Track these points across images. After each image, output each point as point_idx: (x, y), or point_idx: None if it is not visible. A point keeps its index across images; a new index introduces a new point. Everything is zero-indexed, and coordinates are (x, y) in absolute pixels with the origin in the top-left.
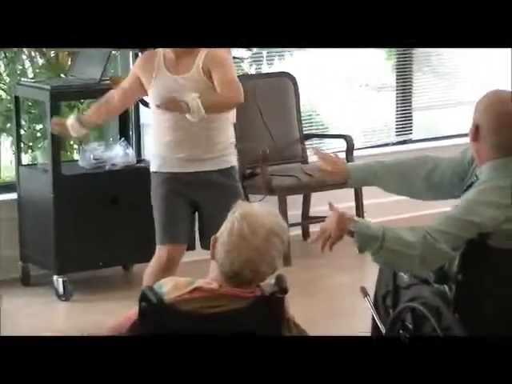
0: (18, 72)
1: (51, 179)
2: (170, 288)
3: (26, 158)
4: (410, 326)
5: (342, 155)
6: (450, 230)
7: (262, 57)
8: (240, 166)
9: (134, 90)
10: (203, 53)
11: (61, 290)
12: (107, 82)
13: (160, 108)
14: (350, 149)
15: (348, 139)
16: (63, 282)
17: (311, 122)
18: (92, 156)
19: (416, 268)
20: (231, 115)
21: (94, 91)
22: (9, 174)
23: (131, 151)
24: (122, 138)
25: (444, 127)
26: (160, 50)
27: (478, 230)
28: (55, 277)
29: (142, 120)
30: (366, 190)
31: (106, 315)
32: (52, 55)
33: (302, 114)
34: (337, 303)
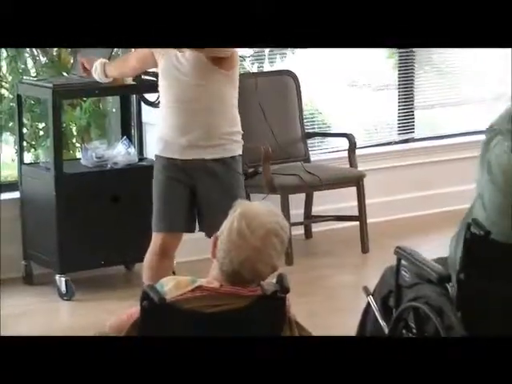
0: (21, 70)
1: (53, 178)
2: (171, 287)
3: (28, 157)
4: (413, 325)
5: (345, 154)
6: None
7: (264, 55)
8: (242, 165)
9: (149, 58)
10: None
11: (63, 289)
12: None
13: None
14: (352, 147)
15: (350, 138)
16: (66, 281)
17: (313, 121)
18: (94, 155)
19: None
20: (235, 100)
21: (96, 89)
22: (10, 172)
23: (133, 150)
24: (124, 137)
25: (446, 126)
26: None
27: None
28: (57, 276)
29: (144, 119)
30: (367, 188)
31: (108, 314)
32: (54, 54)
33: (305, 113)
34: (339, 303)
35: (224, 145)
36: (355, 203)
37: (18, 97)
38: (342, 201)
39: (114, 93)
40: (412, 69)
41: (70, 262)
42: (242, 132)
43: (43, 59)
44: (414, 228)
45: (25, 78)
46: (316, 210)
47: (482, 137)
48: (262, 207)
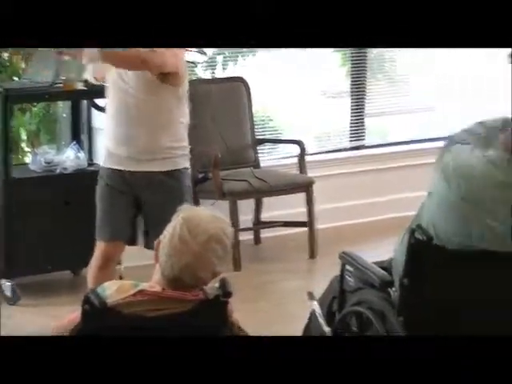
0: None
1: (1, 182)
2: (113, 291)
3: None
4: (356, 329)
5: (296, 160)
6: None
7: (216, 61)
8: (192, 170)
9: None
10: None
11: (9, 293)
12: (60, 85)
13: None
14: (302, 154)
15: (300, 144)
16: (11, 286)
17: (265, 127)
18: (43, 159)
19: None
20: (182, 116)
21: (46, 94)
22: None
23: (83, 155)
24: (74, 142)
25: (397, 133)
26: None
27: None
28: (3, 281)
29: (95, 124)
30: (318, 195)
31: (54, 319)
32: (6, 58)
33: (256, 119)
34: (286, 308)
35: (170, 158)
36: (304, 209)
37: None
38: (292, 207)
39: (65, 98)
40: (364, 77)
41: (16, 266)
42: (189, 146)
43: None
44: (363, 234)
45: None
46: (265, 215)
47: (431, 144)
48: (205, 213)
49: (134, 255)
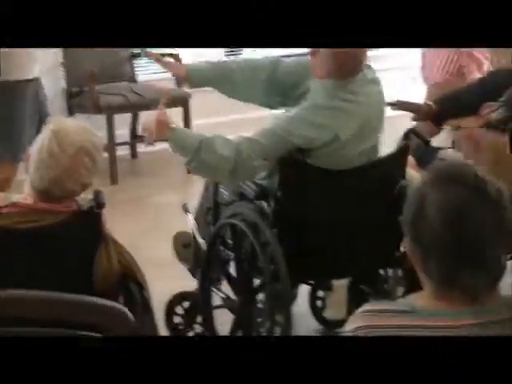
0: None
1: None
2: None
3: None
4: (230, 241)
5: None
6: (265, 142)
7: None
8: (67, 85)
9: None
10: None
11: None
12: None
13: None
14: None
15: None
16: None
17: None
18: None
19: (225, 180)
20: None
21: None
22: None
23: None
24: None
25: None
26: None
27: (294, 147)
28: None
29: None
30: (194, 108)
31: None
32: None
33: None
34: (162, 221)
35: None
36: (182, 124)
37: None
38: None
39: None
40: None
41: None
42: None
43: None
44: None
45: None
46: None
47: None
48: (74, 124)
49: None
